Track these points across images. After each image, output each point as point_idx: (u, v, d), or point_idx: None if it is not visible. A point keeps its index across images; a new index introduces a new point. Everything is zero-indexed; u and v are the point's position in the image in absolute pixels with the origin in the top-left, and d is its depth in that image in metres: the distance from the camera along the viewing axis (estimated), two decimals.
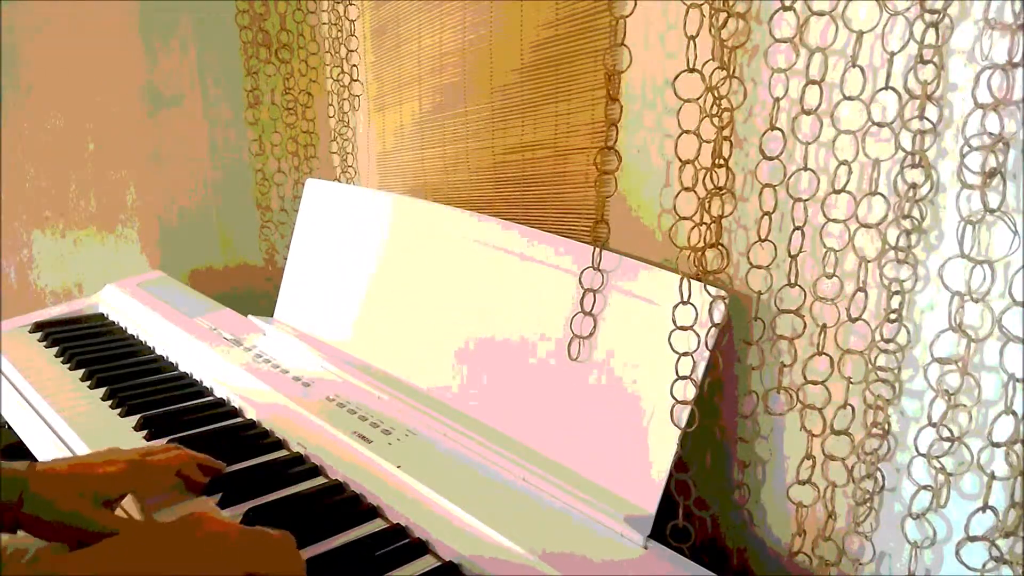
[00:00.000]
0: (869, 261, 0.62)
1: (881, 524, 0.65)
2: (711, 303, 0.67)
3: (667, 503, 0.69)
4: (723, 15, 0.65)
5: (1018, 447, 0.55)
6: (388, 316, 0.97)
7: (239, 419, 0.89)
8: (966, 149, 0.54)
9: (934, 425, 0.59)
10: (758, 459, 0.73)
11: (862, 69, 0.59)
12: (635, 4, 0.71)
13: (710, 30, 0.66)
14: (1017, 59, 0.51)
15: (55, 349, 1.06)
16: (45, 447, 0.83)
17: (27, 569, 0.50)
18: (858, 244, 0.62)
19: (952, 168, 0.56)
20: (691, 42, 0.66)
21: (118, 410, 0.89)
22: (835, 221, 0.63)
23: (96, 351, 1.06)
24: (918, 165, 0.57)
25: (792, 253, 0.66)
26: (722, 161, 0.68)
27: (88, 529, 0.58)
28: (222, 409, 0.91)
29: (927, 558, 0.62)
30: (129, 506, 0.68)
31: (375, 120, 1.21)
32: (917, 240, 0.59)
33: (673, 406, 0.68)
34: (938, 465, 0.59)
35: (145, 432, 0.84)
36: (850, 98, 0.60)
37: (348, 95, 1.24)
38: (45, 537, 0.60)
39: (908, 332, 0.61)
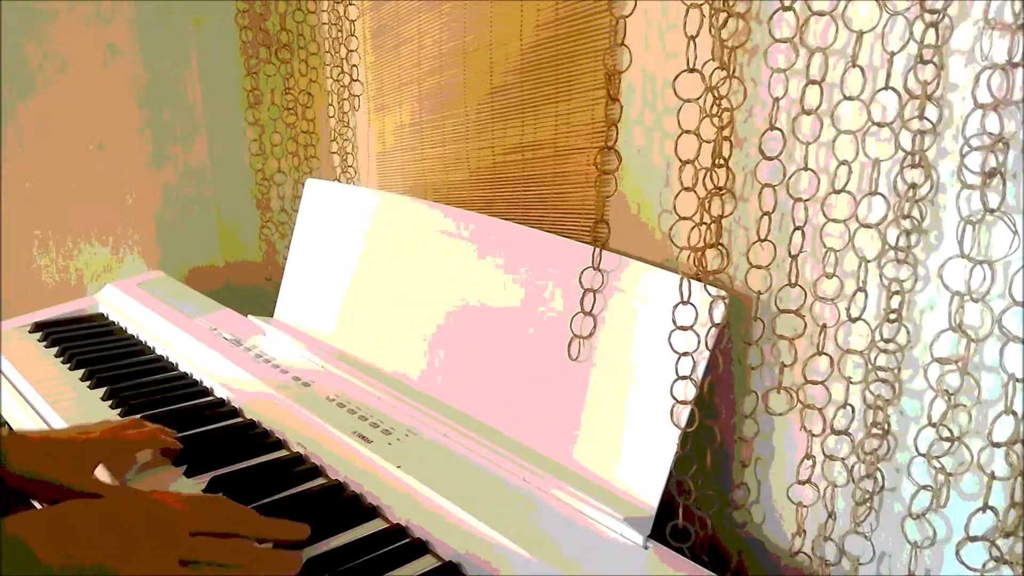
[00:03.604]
0: (869, 261, 0.62)
1: (881, 524, 0.65)
2: (711, 303, 0.67)
3: (667, 503, 0.69)
4: (723, 15, 0.65)
5: (1018, 447, 0.55)
6: (388, 316, 0.97)
7: (239, 419, 0.89)
8: (966, 149, 0.54)
9: (934, 425, 0.59)
10: (758, 459, 0.73)
11: (862, 69, 0.59)
12: (635, 4, 0.71)
13: (710, 30, 0.66)
14: (1017, 59, 0.51)
15: (55, 349, 1.06)
16: None
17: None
18: (858, 244, 0.62)
19: (952, 168, 0.56)
20: (691, 42, 0.66)
21: (118, 410, 0.89)
22: (835, 221, 0.63)
23: (96, 351, 1.06)
24: (918, 165, 0.57)
25: (792, 253, 0.66)
26: (722, 161, 0.68)
27: (73, 490, 0.63)
28: (222, 409, 0.90)
29: (927, 558, 0.62)
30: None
31: (375, 120, 1.21)
32: (917, 240, 0.59)
33: (673, 406, 0.68)
34: (938, 465, 0.59)
35: None
36: (850, 98, 0.60)
37: (348, 95, 1.24)
38: (28, 492, 0.66)
39: (908, 332, 0.61)
